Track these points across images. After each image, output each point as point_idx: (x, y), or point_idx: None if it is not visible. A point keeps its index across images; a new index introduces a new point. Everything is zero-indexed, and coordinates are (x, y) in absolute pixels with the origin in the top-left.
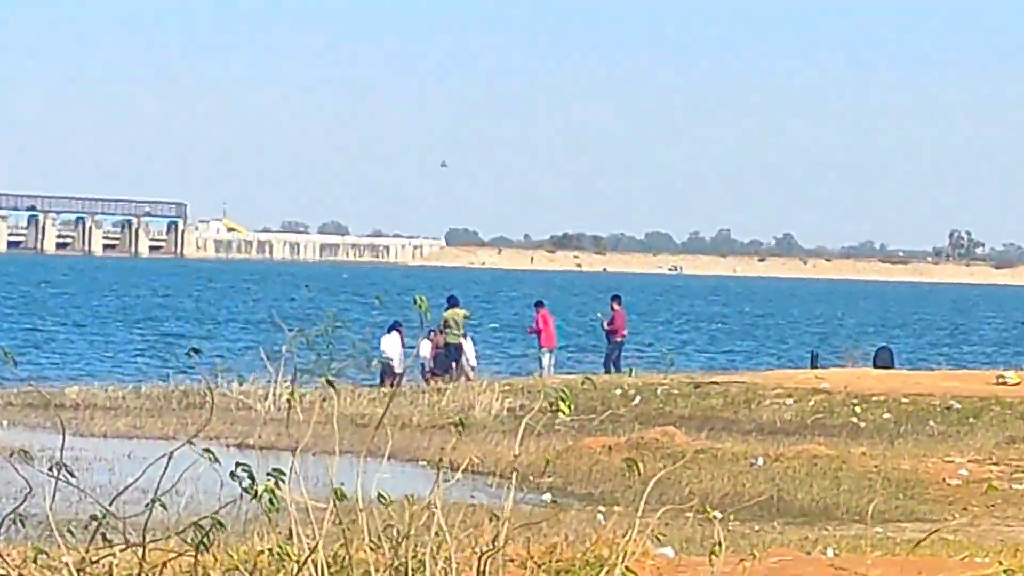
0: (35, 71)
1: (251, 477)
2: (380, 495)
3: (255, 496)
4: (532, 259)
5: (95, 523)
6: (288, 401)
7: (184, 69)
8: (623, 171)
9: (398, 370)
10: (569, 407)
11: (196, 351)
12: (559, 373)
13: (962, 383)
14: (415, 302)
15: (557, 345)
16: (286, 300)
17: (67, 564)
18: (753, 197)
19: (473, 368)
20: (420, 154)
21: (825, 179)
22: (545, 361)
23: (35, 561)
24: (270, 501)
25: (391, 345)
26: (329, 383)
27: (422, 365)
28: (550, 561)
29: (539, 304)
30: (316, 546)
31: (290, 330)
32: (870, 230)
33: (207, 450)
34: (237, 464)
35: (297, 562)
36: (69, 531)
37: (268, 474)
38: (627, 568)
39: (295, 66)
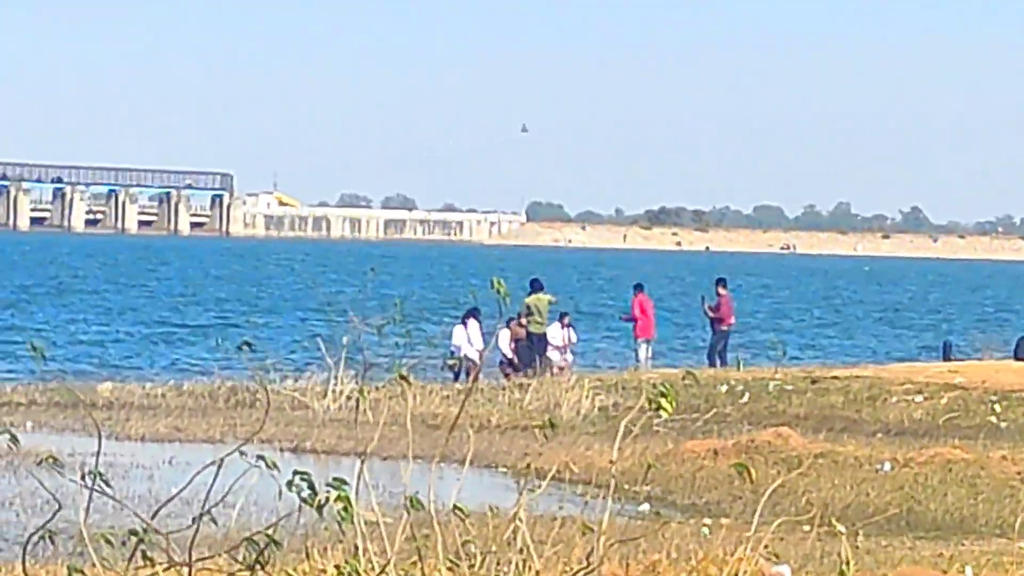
0: (65, 27)
1: (311, 487)
2: (456, 506)
3: (316, 507)
4: (625, 237)
5: (135, 539)
6: (357, 400)
7: (230, 25)
8: (728, 137)
9: (477, 364)
10: (672, 404)
11: (248, 345)
12: (657, 367)
13: None
14: (492, 286)
15: (655, 335)
16: (347, 284)
17: None
18: (876, 166)
19: (568, 361)
20: (497, 119)
21: (957, 146)
22: (642, 353)
23: None
24: (344, 509)
25: (466, 336)
26: (403, 378)
27: (501, 359)
28: None
29: (638, 288)
30: (387, 564)
31: (352, 318)
32: (1008, 203)
33: (261, 456)
34: (295, 472)
35: None
36: (105, 546)
37: (328, 484)
38: None
39: (354, 20)
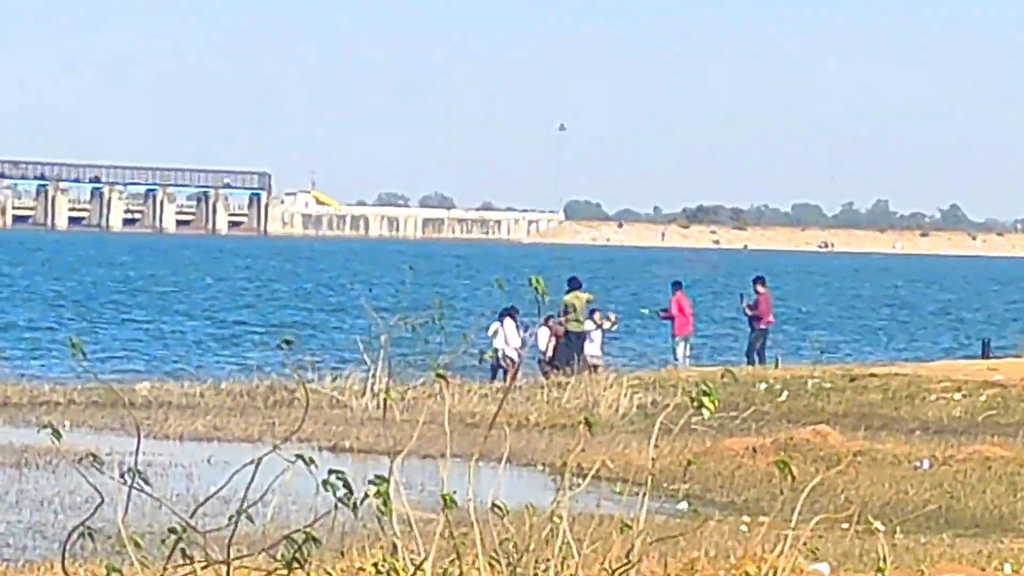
0: (103, 27)
1: (347, 485)
2: (495, 504)
3: (352, 506)
4: (663, 235)
5: (174, 537)
6: (384, 400)
7: (267, 20)
8: (766, 135)
9: (516, 361)
10: (714, 402)
11: (289, 342)
12: (695, 365)
13: None
14: (531, 284)
15: (693, 332)
16: (386, 282)
17: None
18: (915, 164)
19: (599, 359)
20: (535, 117)
21: (996, 143)
22: (680, 351)
23: None
24: (384, 504)
25: (503, 335)
26: (440, 376)
27: (540, 357)
28: None
29: (676, 285)
30: (422, 562)
31: (391, 317)
32: None
33: (300, 455)
34: (331, 471)
35: None
36: (143, 545)
37: (371, 481)
38: None
39: (393, 16)
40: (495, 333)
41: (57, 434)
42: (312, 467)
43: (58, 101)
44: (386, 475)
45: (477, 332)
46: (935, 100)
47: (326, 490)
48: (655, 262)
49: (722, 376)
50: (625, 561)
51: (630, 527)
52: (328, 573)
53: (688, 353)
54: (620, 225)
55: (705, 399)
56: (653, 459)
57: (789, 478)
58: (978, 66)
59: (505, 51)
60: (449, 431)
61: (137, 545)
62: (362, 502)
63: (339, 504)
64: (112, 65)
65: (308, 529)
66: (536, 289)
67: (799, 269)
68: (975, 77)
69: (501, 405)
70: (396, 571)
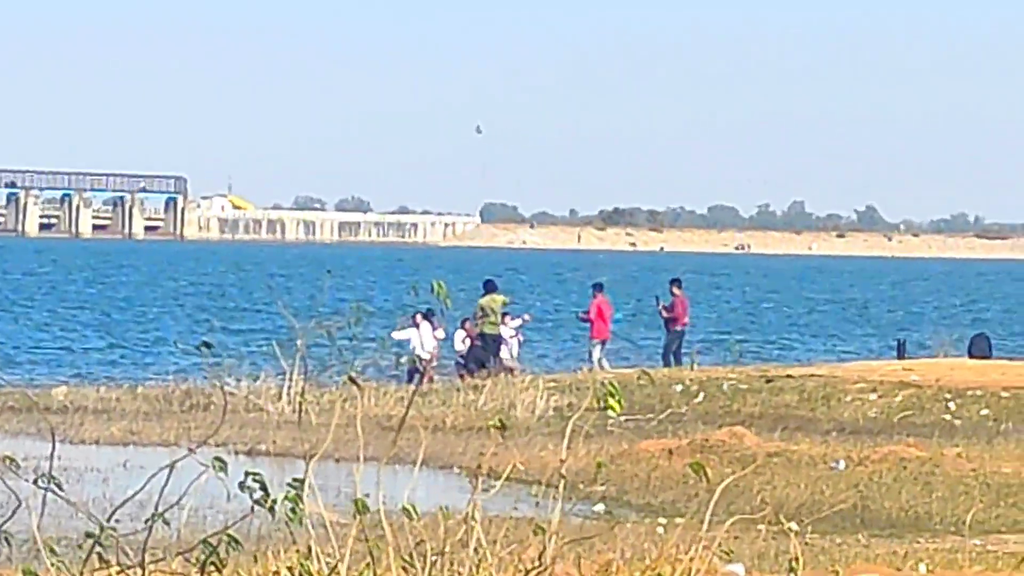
0: (14, 28)
1: (263, 488)
2: (405, 507)
3: (269, 508)
4: (579, 237)
5: (90, 541)
6: (300, 404)
7: (184, 25)
8: (682, 137)
9: (432, 365)
10: (620, 403)
11: (207, 345)
12: (614, 367)
13: None
14: (432, 289)
15: (610, 338)
16: (302, 287)
17: None
18: (831, 165)
19: (514, 362)
20: (451, 120)
21: (912, 144)
22: (596, 354)
23: None
24: (292, 511)
25: (418, 337)
26: (352, 380)
27: (457, 360)
28: None
29: (598, 287)
30: (336, 565)
31: (307, 321)
32: (964, 201)
33: (217, 458)
34: (247, 473)
35: None
36: (58, 550)
37: (289, 484)
38: None
39: (308, 19)
40: (409, 336)
41: None
42: (227, 471)
43: None
44: (301, 478)
45: (389, 337)
46: (851, 101)
47: (243, 493)
48: (570, 264)
49: (638, 378)
50: (539, 563)
51: (543, 529)
52: None
53: (603, 355)
54: (532, 226)
55: (611, 400)
56: (562, 460)
57: (704, 479)
58: (893, 66)
59: (420, 53)
60: (364, 434)
61: (52, 551)
62: (280, 503)
63: (255, 507)
64: (25, 67)
65: (224, 532)
66: (438, 295)
67: (716, 271)
68: (890, 78)
69: (409, 406)
70: (310, 574)
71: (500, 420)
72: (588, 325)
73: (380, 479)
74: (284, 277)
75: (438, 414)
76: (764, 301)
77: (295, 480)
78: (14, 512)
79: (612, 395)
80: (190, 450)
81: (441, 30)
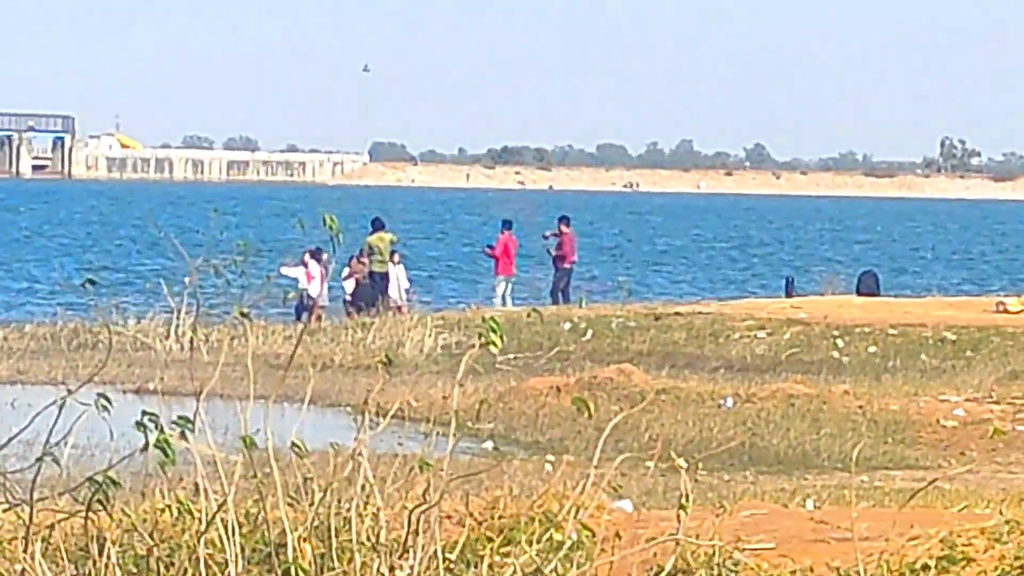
0: None
1: (158, 427)
2: (294, 443)
3: (147, 447)
4: (468, 176)
5: None
6: (191, 338)
7: None
8: (570, 74)
9: (321, 303)
10: (501, 338)
11: (92, 282)
12: (516, 306)
13: (957, 311)
14: (324, 223)
15: (515, 274)
16: (190, 225)
17: None
18: (719, 103)
19: (408, 299)
20: (339, 58)
21: (800, 82)
22: (499, 290)
23: None
24: (164, 453)
25: (306, 275)
26: (244, 315)
27: (344, 298)
28: (492, 517)
29: (506, 225)
30: (223, 502)
31: (195, 258)
32: (852, 140)
33: (102, 395)
34: (144, 412)
35: (203, 520)
36: None
37: (174, 422)
38: (582, 524)
39: None
40: (297, 275)
41: None
42: (111, 409)
43: None
44: (189, 416)
45: (278, 274)
46: (739, 38)
47: (139, 430)
48: (458, 203)
49: (527, 316)
50: (425, 499)
51: (430, 465)
52: (128, 515)
53: (509, 292)
54: (415, 163)
55: (492, 335)
56: (444, 397)
57: (588, 415)
58: (781, 4)
59: None
60: (253, 372)
61: None
62: (153, 445)
63: (147, 446)
64: None
65: (109, 471)
66: (330, 228)
67: (604, 209)
68: (777, 15)
69: (297, 344)
70: (192, 513)
71: (387, 356)
72: (493, 262)
73: (268, 417)
74: (171, 216)
75: (326, 352)
76: (652, 238)
77: (182, 418)
78: None
79: (493, 331)
80: (68, 391)
81: None
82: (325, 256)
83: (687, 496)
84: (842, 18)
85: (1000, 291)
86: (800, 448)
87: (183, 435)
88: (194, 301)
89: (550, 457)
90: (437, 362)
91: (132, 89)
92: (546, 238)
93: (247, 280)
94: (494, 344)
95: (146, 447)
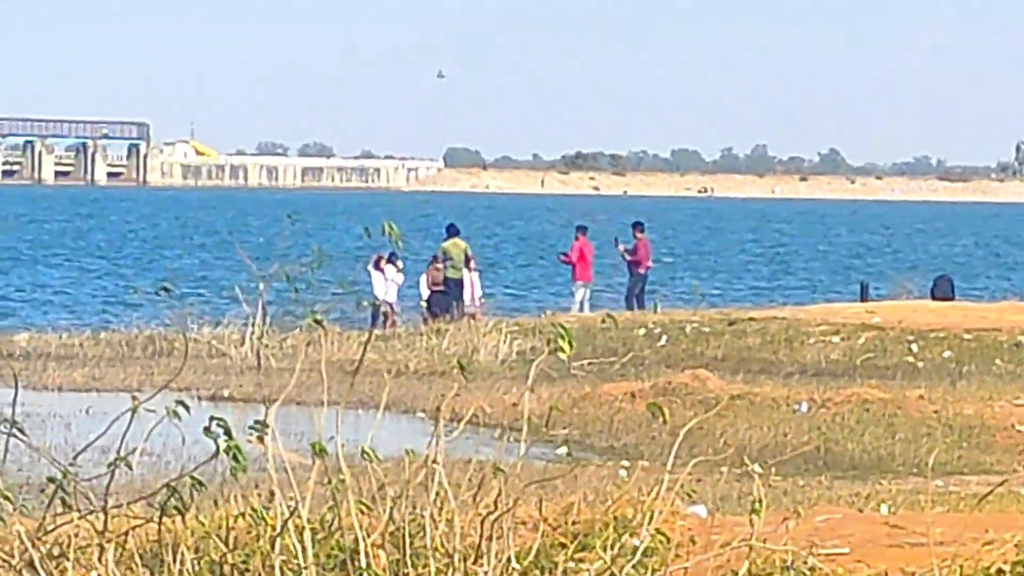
0: None
1: (227, 433)
2: (364, 450)
3: (219, 453)
4: (543, 182)
5: (52, 487)
6: (260, 346)
7: None
8: (645, 81)
9: (396, 309)
10: (570, 343)
11: (167, 290)
12: (594, 311)
13: None
14: (383, 230)
15: (592, 280)
16: (265, 232)
17: (19, 533)
18: (793, 109)
19: (480, 306)
20: (414, 65)
21: (875, 86)
22: (578, 296)
23: None
24: (235, 459)
25: (382, 281)
26: (318, 323)
27: (420, 304)
28: (566, 523)
29: (581, 229)
30: (295, 509)
31: (270, 265)
32: (926, 144)
33: (179, 402)
34: (212, 418)
35: (275, 527)
36: (20, 495)
37: (250, 427)
38: (656, 530)
39: None
40: (375, 280)
41: None
42: (187, 416)
43: None
44: (264, 422)
45: (354, 281)
46: (815, 44)
47: (208, 437)
48: (533, 209)
49: (602, 321)
50: (496, 505)
51: (502, 470)
52: (203, 522)
53: (587, 298)
54: (484, 168)
55: (561, 341)
56: (514, 404)
57: (662, 420)
58: (857, 10)
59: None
60: (327, 378)
61: (7, 498)
62: (226, 451)
63: (218, 452)
64: None
65: (183, 477)
66: (390, 234)
67: (679, 214)
68: (852, 20)
69: (365, 349)
70: (266, 519)
71: (460, 362)
72: (571, 268)
73: (339, 423)
74: (246, 223)
75: (401, 359)
76: (727, 243)
77: (259, 423)
78: None
79: (562, 336)
80: (134, 397)
81: None
82: (399, 262)
83: (761, 501)
84: (917, 23)
85: None
86: (875, 453)
87: (259, 440)
88: (269, 308)
89: (624, 463)
90: (512, 368)
91: (207, 96)
92: (617, 244)
93: (320, 287)
94: (563, 350)
95: (217, 453)
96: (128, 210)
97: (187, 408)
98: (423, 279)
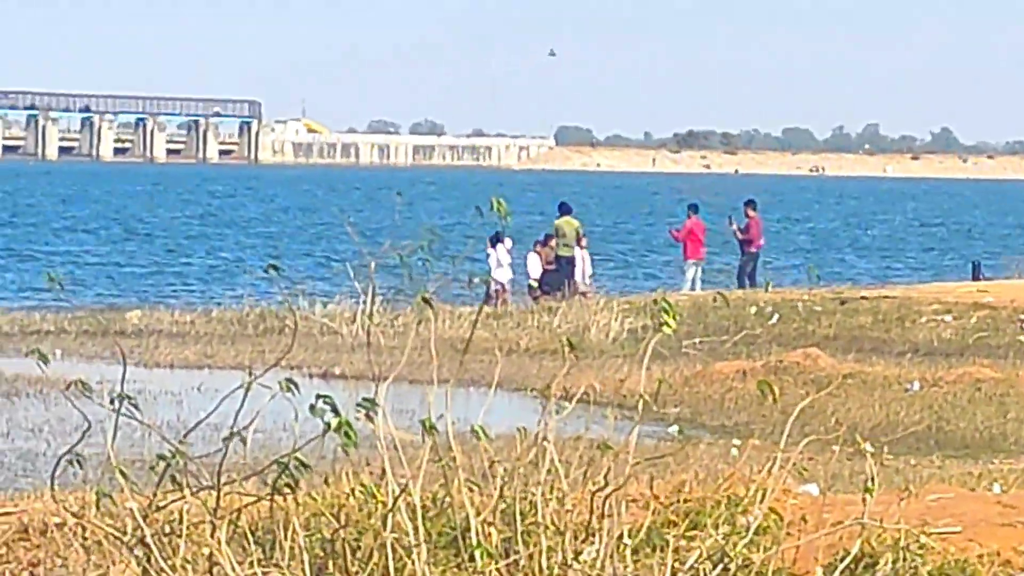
0: None
1: (335, 410)
2: (474, 428)
3: (329, 430)
4: (654, 160)
5: (163, 464)
6: (371, 324)
7: None
8: (756, 58)
9: (505, 286)
10: (673, 317)
11: (275, 268)
12: (705, 289)
13: None
14: (492, 207)
15: (704, 258)
16: (376, 210)
17: (132, 510)
18: (905, 86)
19: (591, 285)
20: (525, 42)
21: (987, 65)
22: (689, 274)
23: (97, 506)
24: (347, 435)
25: (495, 259)
26: (426, 301)
27: (529, 282)
28: (678, 500)
29: (693, 208)
30: (407, 486)
31: (381, 243)
32: None
33: (289, 380)
34: (319, 396)
35: (387, 505)
36: (132, 472)
37: (358, 404)
38: (768, 508)
39: None
40: (490, 258)
41: (44, 359)
42: (298, 392)
43: (46, 30)
44: (373, 399)
45: (465, 259)
46: (927, 23)
47: (314, 415)
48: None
49: (714, 300)
50: (605, 481)
51: (610, 447)
52: (315, 499)
53: (698, 276)
54: (594, 146)
55: (665, 316)
56: (621, 380)
57: (772, 399)
58: None
59: None
60: (438, 356)
61: (123, 475)
62: (336, 429)
63: (327, 430)
64: None
65: (294, 454)
66: (498, 211)
67: (791, 192)
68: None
69: (474, 326)
70: (377, 496)
71: (569, 340)
72: (682, 246)
73: (450, 400)
74: (357, 200)
75: (512, 337)
76: (838, 222)
77: (367, 400)
78: (83, 435)
79: (666, 311)
80: (250, 373)
81: None
82: (507, 241)
83: (873, 480)
84: None
85: None
86: (987, 432)
87: (368, 418)
88: (381, 286)
89: (736, 441)
90: (623, 346)
91: (318, 74)
92: (731, 223)
93: (432, 265)
94: (667, 325)
95: (326, 431)
96: (240, 187)
97: (296, 385)
98: (529, 258)
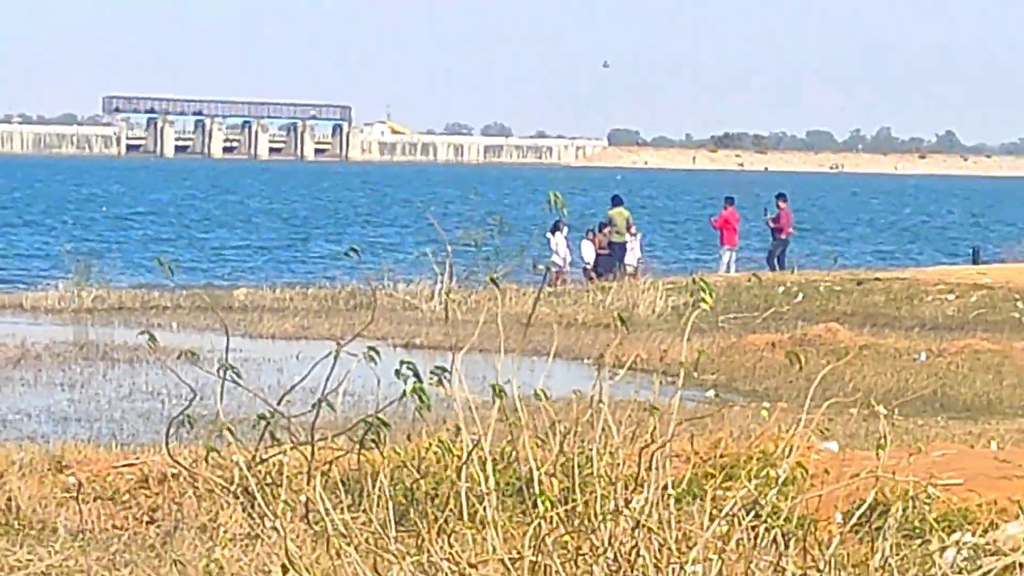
0: None
1: (416, 375)
2: (536, 392)
3: (406, 393)
4: (694, 159)
5: (264, 423)
6: (448, 301)
7: None
8: (785, 69)
9: (562, 269)
10: (711, 296)
11: (355, 251)
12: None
13: None
14: (549, 200)
15: (738, 245)
16: (452, 201)
17: (238, 463)
18: (915, 94)
19: (640, 268)
20: (582, 55)
21: (988, 75)
22: (724, 258)
23: (207, 460)
24: (420, 399)
25: (554, 245)
26: (493, 281)
27: (584, 266)
28: (715, 456)
29: (729, 200)
30: (478, 442)
31: (457, 231)
32: None
33: (371, 348)
34: (402, 362)
35: (461, 458)
36: (237, 430)
37: (432, 372)
38: (796, 463)
39: None
40: (552, 244)
41: (152, 339)
42: (380, 360)
43: (166, 43)
44: (447, 367)
45: (533, 245)
46: (937, 33)
47: (398, 379)
48: (686, 183)
49: (748, 280)
50: (652, 439)
51: (657, 409)
52: (398, 452)
53: (733, 261)
54: (640, 145)
55: (703, 294)
56: (664, 350)
57: (799, 367)
58: (974, 6)
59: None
60: (505, 329)
61: (230, 432)
62: (409, 393)
63: (406, 393)
64: (211, 10)
65: (379, 414)
66: (556, 203)
67: (814, 187)
68: (970, 12)
69: (536, 303)
70: (451, 450)
71: (619, 315)
72: (719, 233)
73: (516, 368)
74: (435, 194)
75: (570, 312)
76: (855, 213)
77: (437, 368)
78: (191, 401)
79: (703, 289)
80: (338, 344)
81: None
82: (564, 228)
83: (885, 438)
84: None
85: None
86: (985, 397)
87: (440, 383)
88: (456, 268)
89: (766, 404)
90: (667, 321)
91: (402, 81)
92: (765, 213)
93: (501, 250)
94: (705, 301)
95: (404, 395)
96: (334, 182)
97: (378, 353)
98: (584, 245)
